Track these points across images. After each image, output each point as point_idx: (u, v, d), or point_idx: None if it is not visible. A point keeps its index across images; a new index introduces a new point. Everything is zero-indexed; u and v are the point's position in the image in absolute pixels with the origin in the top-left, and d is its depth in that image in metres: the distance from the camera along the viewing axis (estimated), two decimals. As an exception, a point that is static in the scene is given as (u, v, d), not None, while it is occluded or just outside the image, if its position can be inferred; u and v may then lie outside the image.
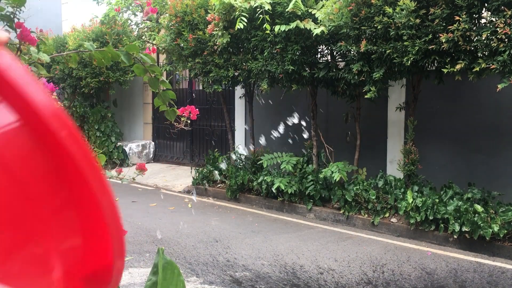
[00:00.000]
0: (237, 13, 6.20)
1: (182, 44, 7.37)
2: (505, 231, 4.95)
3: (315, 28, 5.81)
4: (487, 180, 6.16)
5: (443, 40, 4.76)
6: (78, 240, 0.42)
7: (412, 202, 5.63)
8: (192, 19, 7.23)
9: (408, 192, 5.77)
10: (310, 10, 6.04)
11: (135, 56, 1.47)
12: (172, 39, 7.57)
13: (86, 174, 0.39)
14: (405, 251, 5.17)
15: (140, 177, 2.11)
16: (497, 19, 4.52)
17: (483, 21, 4.86)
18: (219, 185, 8.08)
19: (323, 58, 6.67)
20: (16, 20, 1.40)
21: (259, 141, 8.61)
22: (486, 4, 4.69)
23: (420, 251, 5.18)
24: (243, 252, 5.08)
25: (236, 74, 7.41)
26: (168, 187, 8.82)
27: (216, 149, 8.97)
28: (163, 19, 8.22)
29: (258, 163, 7.56)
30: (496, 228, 4.95)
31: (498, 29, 4.45)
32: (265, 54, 6.45)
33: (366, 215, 6.18)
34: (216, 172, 8.02)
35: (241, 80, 7.49)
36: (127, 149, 10.82)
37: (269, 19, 6.05)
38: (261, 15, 6.05)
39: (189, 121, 1.69)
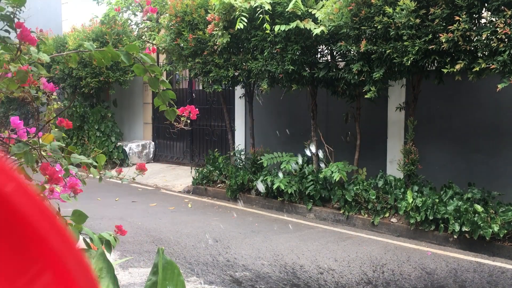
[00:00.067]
0: (237, 13, 6.20)
1: (182, 44, 7.37)
2: (505, 231, 4.95)
3: (315, 28, 5.81)
4: (487, 180, 6.16)
5: (443, 40, 4.76)
6: None
7: (412, 202, 5.63)
8: (192, 19, 7.23)
9: (408, 192, 5.77)
10: (310, 10, 6.04)
11: (135, 56, 1.47)
12: (172, 39, 7.57)
13: (41, 232, 0.33)
14: (405, 251, 5.17)
15: (140, 177, 2.11)
16: (497, 19, 4.52)
17: (483, 21, 4.86)
18: (219, 185, 8.07)
19: (323, 58, 6.67)
20: (16, 20, 1.40)
21: (259, 141, 8.61)
22: (486, 4, 4.69)
23: (420, 251, 5.18)
24: (243, 252, 5.08)
25: (236, 74, 7.41)
26: (168, 187, 8.82)
27: (216, 149, 8.97)
28: (163, 19, 8.22)
29: (258, 163, 7.56)
30: (496, 228, 4.95)
31: (498, 29, 4.45)
32: (265, 54, 6.45)
33: (366, 215, 6.18)
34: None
35: (241, 80, 7.49)
36: (127, 149, 10.82)
37: (269, 19, 6.05)
38: (261, 15, 6.05)
39: (189, 121, 1.69)
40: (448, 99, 6.64)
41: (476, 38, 4.74)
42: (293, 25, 5.91)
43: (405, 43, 5.08)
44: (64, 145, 1.62)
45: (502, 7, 4.51)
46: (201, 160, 10.02)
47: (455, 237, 5.26)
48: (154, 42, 8.81)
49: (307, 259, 4.87)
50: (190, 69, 7.79)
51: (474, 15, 4.81)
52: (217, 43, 6.78)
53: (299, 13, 5.98)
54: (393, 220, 5.96)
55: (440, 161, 6.72)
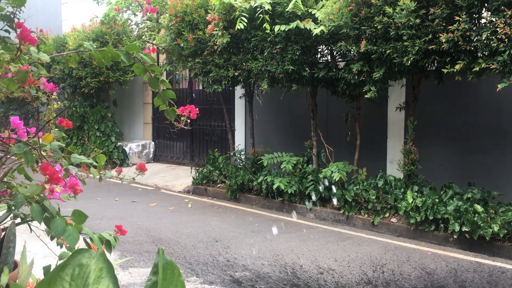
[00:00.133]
0: (237, 13, 6.20)
1: (182, 44, 7.38)
2: (505, 231, 4.95)
3: (315, 28, 5.81)
4: (487, 180, 6.16)
5: (443, 40, 4.76)
6: None
7: (412, 202, 5.63)
8: (192, 19, 7.23)
9: (408, 192, 5.77)
10: (310, 10, 6.04)
11: (135, 55, 1.47)
12: (172, 39, 7.57)
13: None
14: (405, 251, 5.18)
15: (140, 177, 2.11)
16: (497, 19, 4.52)
17: (483, 21, 4.86)
18: (219, 185, 8.08)
19: (323, 58, 6.67)
20: (16, 20, 1.40)
21: (259, 141, 8.61)
22: (486, 4, 4.69)
23: (420, 251, 5.18)
24: (243, 252, 5.08)
25: (236, 74, 7.41)
26: (168, 187, 8.82)
27: (216, 149, 8.97)
28: (163, 19, 8.22)
29: (258, 163, 7.56)
30: (496, 228, 4.95)
31: (498, 29, 4.45)
32: (265, 54, 6.46)
33: (366, 215, 6.18)
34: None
35: (241, 80, 7.49)
36: (127, 149, 10.83)
37: (269, 19, 6.05)
38: (261, 15, 6.05)
39: (189, 121, 1.69)
40: (448, 99, 6.64)
41: (476, 38, 4.74)
42: (293, 25, 5.91)
43: (405, 43, 5.08)
44: (64, 145, 1.62)
45: (502, 7, 4.51)
46: (201, 160, 10.02)
47: (455, 237, 5.26)
48: (154, 42, 8.81)
49: (307, 259, 4.87)
50: (190, 69, 7.79)
51: (474, 15, 4.81)
52: (217, 43, 6.78)
53: (299, 13, 5.98)
54: (393, 220, 5.96)
55: (440, 161, 6.73)
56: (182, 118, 1.68)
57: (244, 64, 6.98)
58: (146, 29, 9.85)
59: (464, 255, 5.06)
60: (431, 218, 5.47)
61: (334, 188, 6.49)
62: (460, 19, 4.68)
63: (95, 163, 1.69)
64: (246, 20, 6.16)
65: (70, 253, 1.49)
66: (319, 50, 6.66)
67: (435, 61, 5.24)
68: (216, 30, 6.66)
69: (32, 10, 11.58)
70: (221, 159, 8.19)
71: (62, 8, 13.62)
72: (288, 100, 8.18)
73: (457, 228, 5.21)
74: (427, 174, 6.36)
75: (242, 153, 8.30)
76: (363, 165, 6.78)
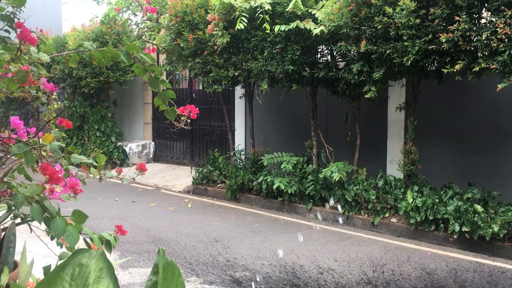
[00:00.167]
0: (237, 13, 6.20)
1: (182, 44, 7.38)
2: (505, 231, 4.95)
3: (314, 28, 5.81)
4: (487, 180, 6.16)
5: (443, 40, 4.76)
6: None
7: (412, 202, 5.63)
8: (192, 19, 7.23)
9: (408, 192, 5.77)
10: (310, 10, 6.04)
11: (135, 55, 1.47)
12: (172, 39, 7.57)
13: None
14: (405, 251, 5.17)
15: (140, 177, 2.11)
16: (497, 19, 4.52)
17: (483, 21, 4.86)
18: (219, 185, 8.08)
19: (323, 58, 6.67)
20: (16, 20, 1.40)
21: (259, 141, 8.61)
22: (486, 4, 4.69)
23: (420, 251, 5.18)
24: (243, 252, 5.08)
25: (236, 74, 7.41)
26: (168, 187, 8.82)
27: (216, 149, 8.97)
28: (163, 19, 8.22)
29: (258, 163, 7.56)
30: (496, 228, 4.95)
31: (498, 29, 4.45)
32: (265, 54, 6.46)
33: (366, 215, 6.18)
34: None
35: (241, 80, 7.49)
36: (127, 149, 10.83)
37: (269, 19, 6.05)
38: (261, 15, 6.05)
39: (189, 120, 1.69)
40: (448, 99, 6.64)
41: (476, 38, 4.74)
42: (293, 25, 5.91)
43: (405, 43, 5.08)
44: (64, 145, 1.62)
45: (502, 7, 4.51)
46: (201, 160, 10.02)
47: (455, 237, 5.26)
48: (154, 42, 8.81)
49: (307, 259, 4.87)
50: (190, 69, 7.79)
51: (474, 15, 4.81)
52: (217, 43, 6.78)
53: (299, 13, 5.98)
54: (393, 220, 5.96)
55: (440, 161, 6.73)
56: (182, 118, 1.68)
57: (244, 64, 6.98)
58: (146, 29, 9.85)
59: (464, 255, 5.06)
60: (431, 218, 5.47)
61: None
62: (460, 19, 4.68)
63: (95, 163, 1.69)
64: (246, 20, 6.16)
65: (70, 253, 1.49)
66: (319, 50, 6.66)
67: (435, 61, 5.24)
68: (216, 30, 6.66)
69: (32, 10, 11.58)
70: (221, 159, 8.19)
71: (62, 8, 13.62)
72: (288, 100, 8.18)
73: (457, 228, 5.21)
74: (427, 174, 6.36)
75: (242, 153, 8.30)
76: (363, 165, 6.78)
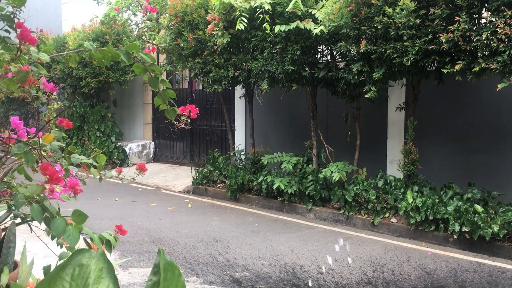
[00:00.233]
0: (237, 13, 6.20)
1: (182, 44, 7.38)
2: (505, 231, 4.95)
3: (314, 28, 5.81)
4: (487, 180, 6.16)
5: (443, 40, 4.76)
6: None
7: (412, 202, 5.63)
8: (192, 19, 7.23)
9: (408, 192, 5.77)
10: (310, 10, 6.04)
11: (135, 55, 1.47)
12: (172, 39, 7.57)
13: None
14: (405, 251, 5.17)
15: (140, 177, 2.11)
16: (497, 19, 4.52)
17: (483, 21, 4.86)
18: (219, 185, 8.08)
19: (323, 58, 6.67)
20: (16, 20, 1.40)
21: (259, 141, 8.61)
22: (486, 4, 4.69)
23: (420, 251, 5.18)
24: (243, 252, 5.08)
25: (236, 74, 7.41)
26: (168, 187, 8.82)
27: (216, 149, 8.97)
28: (163, 19, 8.22)
29: (258, 163, 7.56)
30: (496, 228, 4.95)
31: (498, 29, 4.45)
32: (265, 54, 6.46)
33: (366, 215, 6.18)
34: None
35: (241, 80, 7.49)
36: (127, 149, 10.82)
37: (269, 19, 6.05)
38: (261, 15, 6.05)
39: (189, 120, 1.69)
40: (448, 99, 6.64)
41: (476, 38, 4.74)
42: (293, 25, 5.91)
43: (405, 43, 5.08)
44: (64, 145, 1.62)
45: (502, 7, 4.51)
46: (201, 160, 10.02)
47: (455, 237, 5.26)
48: (154, 42, 8.81)
49: (307, 259, 4.87)
50: (190, 69, 7.79)
51: (474, 15, 4.81)
52: (217, 43, 6.78)
53: (299, 13, 5.98)
54: (393, 220, 5.96)
55: (440, 161, 6.73)
56: (182, 118, 1.68)
57: (244, 64, 6.98)
58: (146, 29, 9.85)
59: (464, 255, 5.06)
60: (431, 218, 5.47)
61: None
62: (460, 19, 4.68)
63: (95, 163, 1.69)
64: (246, 21, 6.16)
65: (70, 253, 1.49)
66: (319, 50, 6.66)
67: (435, 61, 5.24)
68: (216, 30, 6.66)
69: (32, 10, 11.58)
70: (221, 159, 8.18)
71: (62, 8, 13.62)
72: (288, 100, 8.18)
73: (457, 228, 5.21)
74: (427, 174, 6.36)
75: (242, 153, 8.30)
76: (363, 165, 6.78)
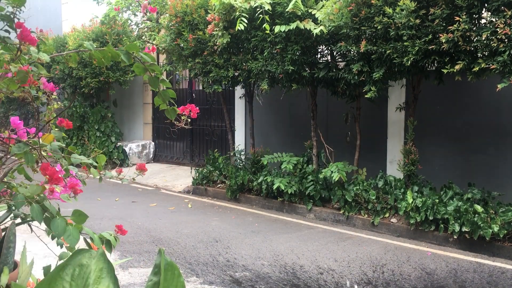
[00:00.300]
0: (237, 13, 6.20)
1: (182, 44, 7.38)
2: (505, 231, 4.95)
3: (314, 28, 5.81)
4: (487, 180, 6.16)
5: (443, 40, 4.76)
6: None
7: (412, 202, 5.63)
8: (192, 19, 7.23)
9: (408, 192, 5.77)
10: (310, 10, 6.04)
11: (135, 55, 1.47)
12: (172, 39, 7.57)
13: None
14: (405, 251, 5.17)
15: (140, 177, 2.11)
16: (497, 19, 4.52)
17: (483, 21, 4.86)
18: (219, 185, 8.08)
19: (323, 58, 6.67)
20: (16, 20, 1.40)
21: (259, 141, 8.61)
22: (486, 4, 4.69)
23: (420, 251, 5.18)
24: (243, 252, 5.08)
25: (236, 74, 7.41)
26: (168, 187, 8.82)
27: (216, 149, 8.97)
28: (163, 19, 8.22)
29: (258, 163, 7.56)
30: (496, 229, 4.95)
31: (498, 29, 4.45)
32: (265, 54, 6.46)
33: (366, 215, 6.18)
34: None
35: (241, 80, 7.49)
36: (127, 149, 10.82)
37: (269, 19, 6.05)
38: (261, 15, 6.05)
39: (189, 120, 1.69)
40: (448, 99, 6.64)
41: (476, 38, 4.74)
42: (293, 25, 5.91)
43: (405, 43, 5.08)
44: (64, 145, 1.62)
45: (502, 7, 4.51)
46: (201, 160, 10.02)
47: (455, 237, 5.26)
48: (154, 42, 8.81)
49: (307, 259, 4.86)
50: (190, 69, 7.79)
51: (474, 16, 4.81)
52: (217, 43, 6.78)
53: (299, 13, 5.98)
54: (393, 220, 5.96)
55: (440, 161, 6.73)
56: (182, 118, 1.68)
57: (244, 64, 6.98)
58: (146, 29, 9.85)
59: (464, 255, 5.06)
60: (431, 218, 5.47)
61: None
62: (460, 19, 4.68)
63: (95, 164, 1.69)
64: (246, 21, 6.16)
65: (70, 253, 1.49)
66: (319, 50, 6.66)
67: (435, 61, 5.24)
68: (216, 30, 6.66)
69: (32, 10, 11.59)
70: (221, 159, 8.18)
71: (62, 8, 13.62)
72: (288, 100, 8.18)
73: (457, 228, 5.21)
74: (427, 174, 6.36)
75: (242, 153, 8.30)
76: (363, 165, 6.78)
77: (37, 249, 2.85)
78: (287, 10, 5.96)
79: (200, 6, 7.21)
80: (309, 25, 5.92)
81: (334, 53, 6.48)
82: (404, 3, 4.93)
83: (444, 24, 4.86)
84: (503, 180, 6.17)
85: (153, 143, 11.33)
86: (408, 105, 6.25)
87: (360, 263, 4.77)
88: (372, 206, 6.10)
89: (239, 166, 8.05)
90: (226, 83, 7.40)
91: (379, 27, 5.21)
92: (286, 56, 6.21)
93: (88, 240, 1.65)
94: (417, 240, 5.58)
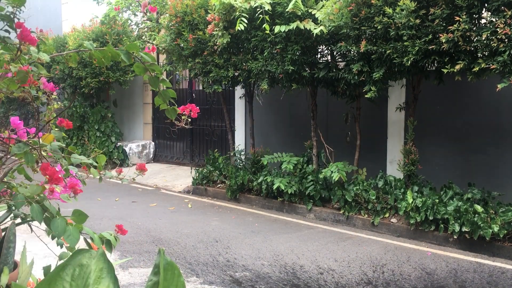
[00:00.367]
0: (237, 13, 6.20)
1: (182, 44, 7.38)
2: (505, 231, 4.95)
3: (314, 28, 5.81)
4: (487, 180, 6.16)
5: (443, 40, 4.76)
6: None
7: (412, 202, 5.63)
8: (192, 19, 7.23)
9: (408, 192, 5.77)
10: (310, 10, 6.04)
11: (135, 55, 1.47)
12: (172, 39, 7.57)
13: None
14: (405, 251, 5.17)
15: (140, 177, 2.11)
16: (497, 19, 4.52)
17: (483, 21, 4.86)
18: (219, 185, 8.07)
19: (323, 58, 6.67)
20: (16, 20, 1.40)
21: (259, 141, 8.61)
22: (486, 4, 4.69)
23: (420, 251, 5.18)
24: (243, 252, 5.08)
25: (236, 74, 7.41)
26: (168, 187, 8.82)
27: (216, 149, 8.97)
28: (163, 19, 8.22)
29: (258, 163, 7.56)
30: (496, 229, 4.95)
31: (498, 29, 4.45)
32: (265, 54, 6.46)
33: (366, 215, 6.18)
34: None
35: (241, 80, 7.49)
36: (127, 149, 10.82)
37: (269, 19, 6.05)
38: (261, 15, 6.05)
39: (189, 120, 1.69)
40: (448, 99, 6.64)
41: (476, 38, 4.74)
42: (293, 25, 5.91)
43: (405, 43, 5.08)
44: (64, 145, 1.62)
45: (502, 7, 4.51)
46: (201, 160, 10.02)
47: (455, 237, 5.26)
48: (154, 42, 8.81)
49: (307, 259, 4.86)
50: (190, 69, 7.79)
51: (474, 15, 4.81)
52: (217, 43, 6.78)
53: (299, 14, 5.98)
54: (393, 220, 5.96)
55: (440, 161, 6.73)
56: (182, 117, 1.68)
57: (244, 64, 6.98)
58: (146, 29, 9.85)
59: (464, 255, 5.06)
60: (431, 218, 5.47)
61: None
62: (460, 19, 4.68)
63: (95, 164, 1.69)
64: (246, 21, 6.16)
65: (70, 253, 1.49)
66: (319, 50, 6.66)
67: (435, 61, 5.24)
68: (216, 30, 6.66)
69: (32, 10, 11.59)
70: (221, 159, 8.18)
71: (62, 8, 13.62)
72: (288, 100, 8.18)
73: (457, 228, 5.21)
74: (427, 174, 6.36)
75: (242, 153, 8.30)
76: (363, 165, 6.78)
77: (37, 249, 2.85)
78: (287, 10, 5.96)
79: (200, 6, 7.21)
80: (309, 25, 5.92)
81: (334, 53, 6.48)
82: (404, 3, 4.93)
83: (444, 24, 4.86)
84: (503, 180, 6.17)
85: (153, 143, 11.33)
86: (408, 105, 6.25)
87: (360, 263, 4.77)
88: (372, 206, 6.10)
89: (239, 166, 8.05)
90: (226, 83, 7.40)
91: (379, 27, 5.21)
92: (286, 56, 6.21)
93: (88, 240, 1.65)
94: (417, 240, 5.58)
